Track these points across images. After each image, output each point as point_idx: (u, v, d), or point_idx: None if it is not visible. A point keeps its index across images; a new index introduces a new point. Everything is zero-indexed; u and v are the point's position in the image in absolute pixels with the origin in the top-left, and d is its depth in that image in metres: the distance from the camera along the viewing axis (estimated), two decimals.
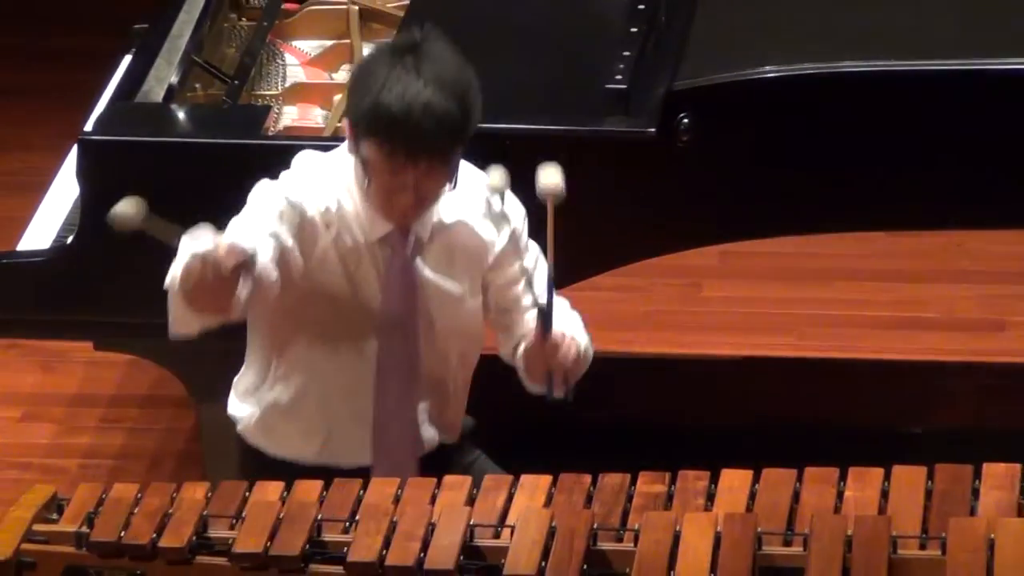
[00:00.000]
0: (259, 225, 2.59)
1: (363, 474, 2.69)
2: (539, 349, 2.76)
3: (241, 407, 2.84)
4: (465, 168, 2.72)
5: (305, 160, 2.71)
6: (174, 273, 2.54)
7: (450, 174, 2.64)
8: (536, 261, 2.81)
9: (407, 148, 2.53)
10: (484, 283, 2.81)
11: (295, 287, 2.69)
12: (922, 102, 3.47)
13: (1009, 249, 4.60)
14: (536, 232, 2.79)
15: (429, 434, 2.81)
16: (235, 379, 2.93)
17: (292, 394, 2.83)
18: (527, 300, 2.77)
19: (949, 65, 3.50)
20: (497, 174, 2.73)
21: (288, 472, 2.68)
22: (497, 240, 2.75)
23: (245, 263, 2.45)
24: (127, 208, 2.44)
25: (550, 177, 2.71)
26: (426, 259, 2.74)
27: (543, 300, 2.71)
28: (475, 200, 2.77)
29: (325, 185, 2.69)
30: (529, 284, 2.75)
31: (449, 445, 2.86)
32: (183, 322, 2.65)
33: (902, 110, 3.47)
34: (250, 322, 2.82)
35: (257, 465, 2.83)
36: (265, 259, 2.56)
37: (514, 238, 2.73)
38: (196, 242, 2.40)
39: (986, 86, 3.57)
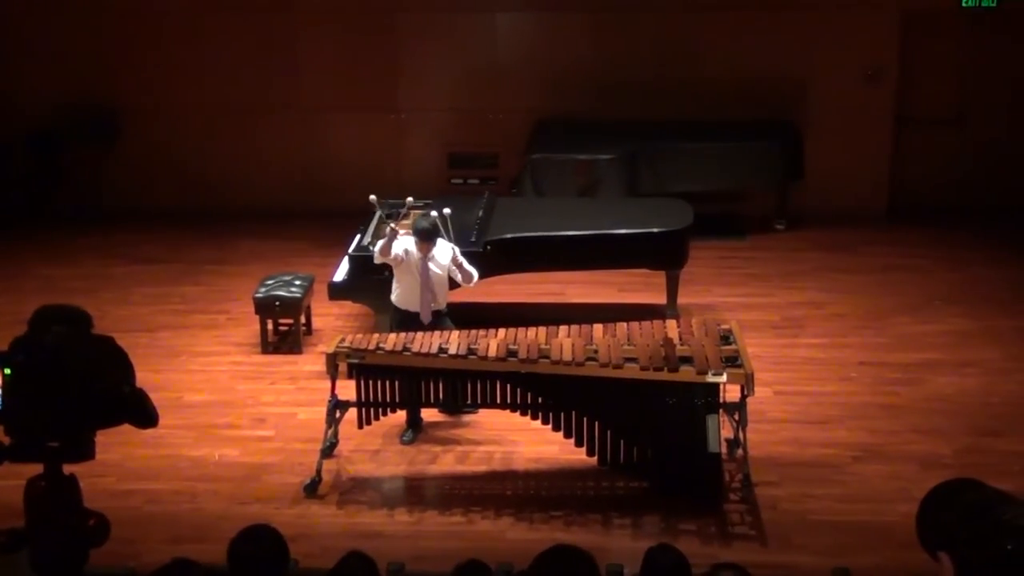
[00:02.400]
0: (399, 244, 8.56)
1: (415, 315, 8.67)
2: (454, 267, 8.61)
3: (393, 294, 8.80)
4: (440, 241, 8.71)
5: (403, 238, 8.71)
6: (378, 244, 8.70)
7: (434, 244, 8.57)
8: (455, 252, 8.61)
9: (423, 238, 8.59)
10: (447, 266, 8.64)
11: (402, 263, 8.58)
12: (563, 242, 10.07)
13: None
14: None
15: (433, 306, 8.67)
16: (391, 291, 8.80)
17: (400, 291, 8.76)
18: (455, 268, 8.58)
19: (580, 231, 10.11)
20: (424, 219, 8.70)
21: (400, 313, 8.73)
22: (449, 256, 8.65)
23: (393, 240, 8.43)
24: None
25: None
26: (430, 260, 8.61)
27: (459, 252, 8.67)
28: (443, 248, 8.68)
29: (407, 243, 8.64)
30: (457, 264, 8.56)
31: (438, 310, 8.73)
32: (379, 259, 8.67)
33: (562, 246, 10.09)
34: (394, 271, 8.71)
35: (395, 310, 8.77)
36: (401, 252, 8.54)
37: (454, 254, 8.65)
38: (385, 239, 8.54)
39: (598, 238, 10.07)
